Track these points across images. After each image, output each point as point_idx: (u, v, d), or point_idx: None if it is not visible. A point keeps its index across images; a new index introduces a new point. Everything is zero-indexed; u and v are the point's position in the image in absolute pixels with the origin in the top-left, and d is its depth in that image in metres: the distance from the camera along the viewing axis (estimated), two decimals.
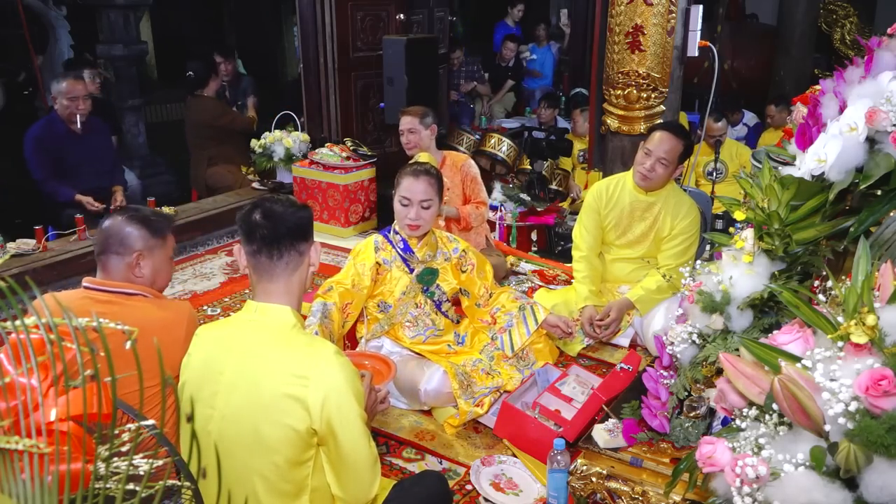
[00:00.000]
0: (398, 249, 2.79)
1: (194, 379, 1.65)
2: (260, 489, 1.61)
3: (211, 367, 1.64)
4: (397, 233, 2.81)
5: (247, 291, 3.39)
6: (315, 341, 1.69)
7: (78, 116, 4.08)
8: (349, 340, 3.02)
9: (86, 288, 2.01)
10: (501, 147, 5.12)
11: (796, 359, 1.33)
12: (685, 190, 3.40)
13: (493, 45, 8.21)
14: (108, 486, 0.89)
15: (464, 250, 2.94)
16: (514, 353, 2.81)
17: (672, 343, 2.04)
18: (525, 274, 4.05)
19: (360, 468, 1.66)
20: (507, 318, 2.88)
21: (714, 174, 4.90)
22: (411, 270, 2.80)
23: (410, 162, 2.95)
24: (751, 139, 6.10)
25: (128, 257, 2.02)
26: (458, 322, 2.98)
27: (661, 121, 3.74)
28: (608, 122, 4.02)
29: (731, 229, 2.04)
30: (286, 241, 1.65)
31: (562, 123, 6.25)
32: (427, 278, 2.84)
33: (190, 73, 5.44)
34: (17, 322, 0.89)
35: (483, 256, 3.05)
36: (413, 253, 2.80)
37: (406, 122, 3.79)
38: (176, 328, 1.96)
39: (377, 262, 2.77)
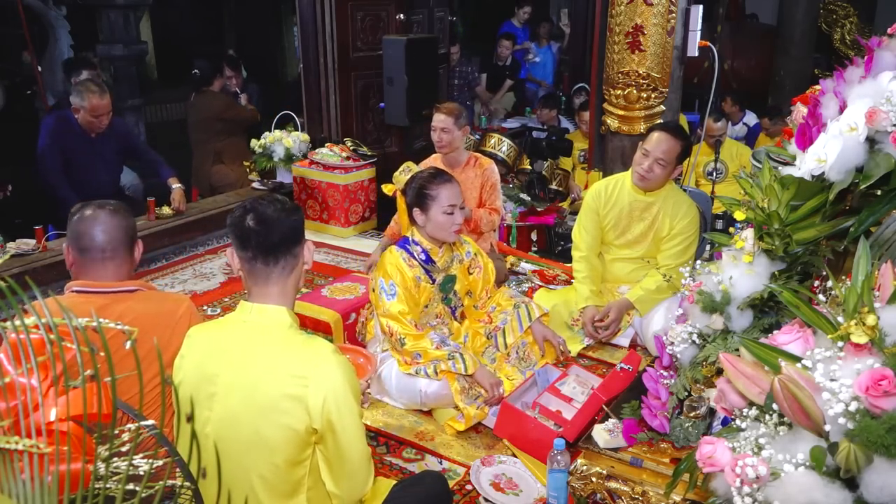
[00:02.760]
0: (420, 261, 2.75)
1: (189, 381, 1.64)
2: (259, 489, 1.62)
3: (206, 370, 1.63)
4: (416, 243, 2.76)
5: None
6: (313, 341, 1.68)
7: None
8: (350, 341, 3.02)
9: (78, 292, 1.96)
10: (501, 147, 5.12)
11: (796, 359, 1.33)
12: (685, 190, 3.40)
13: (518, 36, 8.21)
14: (108, 486, 0.89)
15: (475, 253, 2.95)
16: (506, 350, 2.81)
17: (672, 343, 2.04)
18: (525, 274, 4.05)
19: (355, 465, 1.67)
20: (502, 317, 2.88)
21: (714, 174, 4.89)
22: (433, 281, 2.79)
23: (426, 171, 2.85)
24: (750, 139, 6.10)
25: (133, 246, 2.01)
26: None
27: (661, 121, 3.74)
28: (608, 122, 4.02)
29: (731, 229, 2.04)
30: (282, 247, 1.65)
31: (562, 123, 6.25)
32: (448, 286, 2.85)
33: (195, 70, 5.45)
34: (17, 322, 0.89)
35: (489, 259, 3.06)
36: (434, 263, 2.78)
37: (440, 120, 3.63)
38: (181, 321, 1.95)
39: (413, 278, 2.74)
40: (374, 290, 2.73)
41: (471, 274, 2.93)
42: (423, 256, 2.75)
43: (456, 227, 2.71)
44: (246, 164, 5.18)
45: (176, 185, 4.34)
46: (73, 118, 4.01)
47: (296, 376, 1.57)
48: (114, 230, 1.97)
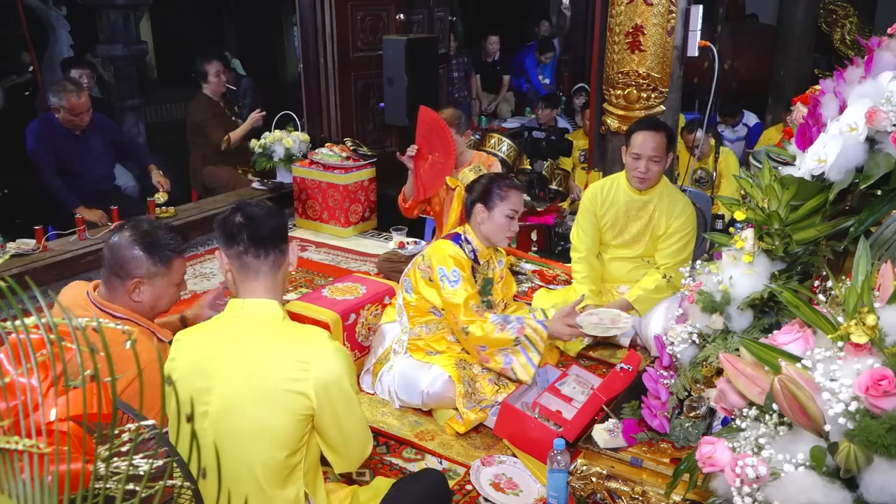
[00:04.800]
0: (470, 259, 2.79)
1: (184, 380, 1.66)
2: (261, 478, 1.65)
3: (201, 367, 1.66)
4: (469, 242, 2.80)
5: None
6: (307, 328, 1.76)
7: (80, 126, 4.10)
8: (349, 341, 3.02)
9: (88, 298, 1.98)
10: (501, 147, 5.12)
11: (796, 359, 1.33)
12: (685, 190, 3.40)
13: (521, 59, 8.22)
14: (108, 486, 0.89)
15: (505, 263, 2.99)
16: (532, 380, 2.71)
17: (672, 343, 2.04)
18: (525, 274, 4.04)
19: (356, 435, 1.75)
20: (502, 356, 2.65)
21: (703, 182, 4.89)
22: (475, 281, 2.81)
23: (498, 173, 2.98)
24: (751, 139, 6.11)
25: (127, 281, 1.96)
26: None
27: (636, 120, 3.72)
28: (608, 122, 4.02)
29: (731, 229, 2.04)
30: (270, 240, 1.71)
31: (562, 123, 6.25)
32: (488, 288, 2.88)
33: (193, 73, 5.43)
34: (17, 322, 0.89)
35: (510, 272, 3.10)
36: (480, 264, 2.83)
37: None
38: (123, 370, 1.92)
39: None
40: (429, 280, 2.73)
41: (496, 283, 2.97)
42: (472, 255, 2.79)
43: (511, 234, 2.78)
44: (241, 169, 5.17)
45: (154, 169, 4.46)
46: (55, 119, 4.06)
47: (298, 360, 1.62)
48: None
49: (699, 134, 4.71)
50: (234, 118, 5.26)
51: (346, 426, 1.69)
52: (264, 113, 5.12)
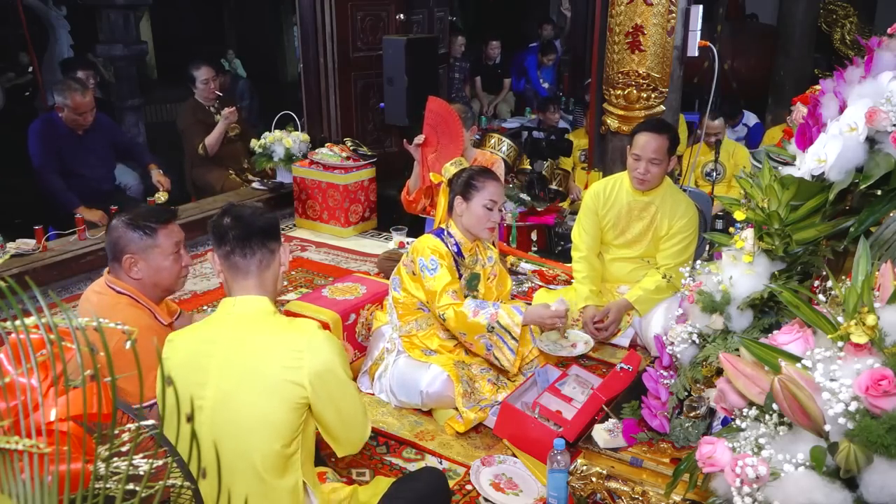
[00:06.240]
0: (452, 252, 2.80)
1: (179, 378, 1.67)
2: (260, 467, 1.67)
3: (195, 362, 1.68)
4: (451, 235, 2.82)
5: None
6: (296, 320, 1.80)
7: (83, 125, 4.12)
8: (350, 341, 3.01)
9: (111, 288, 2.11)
10: (501, 147, 5.12)
11: (796, 359, 1.33)
12: (685, 190, 3.40)
13: (522, 60, 8.20)
14: (108, 486, 0.89)
15: (496, 260, 2.98)
16: (517, 371, 2.78)
17: (672, 343, 2.04)
18: (525, 274, 4.04)
19: (355, 420, 1.79)
20: (483, 342, 2.67)
21: (714, 174, 4.88)
22: (460, 275, 2.81)
23: (477, 166, 3.00)
24: (751, 139, 6.10)
25: (122, 261, 2.09)
26: None
27: (642, 120, 3.72)
28: (608, 122, 4.02)
29: (731, 229, 2.04)
30: (257, 239, 1.74)
31: (562, 123, 6.25)
32: (474, 283, 2.87)
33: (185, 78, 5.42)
34: (17, 322, 0.89)
35: (504, 270, 3.09)
36: (464, 258, 2.83)
37: None
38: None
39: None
40: (413, 274, 2.76)
41: (488, 280, 2.96)
42: (454, 249, 2.80)
43: (491, 225, 2.78)
44: (231, 171, 5.16)
45: (154, 169, 4.51)
46: (58, 119, 4.07)
47: (293, 349, 1.66)
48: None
49: (718, 122, 4.73)
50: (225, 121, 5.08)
51: (344, 410, 1.73)
52: (234, 109, 5.04)
